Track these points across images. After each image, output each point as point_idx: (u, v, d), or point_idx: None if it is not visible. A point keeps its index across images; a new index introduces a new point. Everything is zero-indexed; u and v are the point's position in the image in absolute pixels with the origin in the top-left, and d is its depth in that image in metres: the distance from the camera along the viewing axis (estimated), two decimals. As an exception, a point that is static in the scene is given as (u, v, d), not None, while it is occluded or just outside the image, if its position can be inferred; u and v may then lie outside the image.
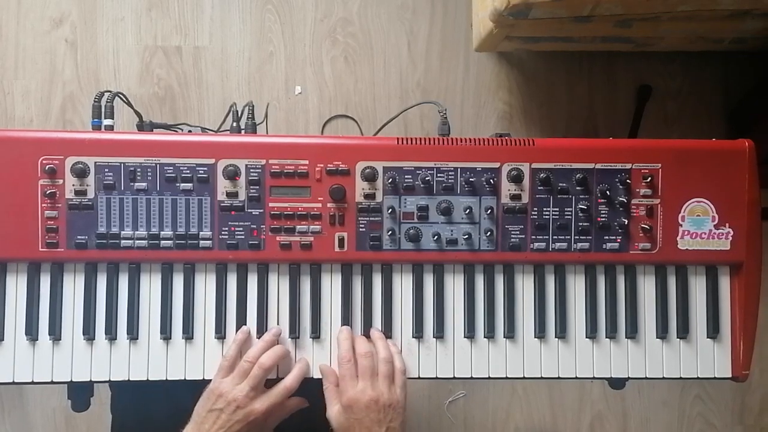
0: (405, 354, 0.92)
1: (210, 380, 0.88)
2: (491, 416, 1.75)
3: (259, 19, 1.72)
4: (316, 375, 0.91)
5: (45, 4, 1.69)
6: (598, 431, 1.76)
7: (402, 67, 1.74)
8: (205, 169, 0.90)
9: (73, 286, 0.90)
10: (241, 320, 0.91)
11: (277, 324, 0.92)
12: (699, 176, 0.93)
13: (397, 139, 0.92)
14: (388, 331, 0.92)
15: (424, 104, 1.66)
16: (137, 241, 0.89)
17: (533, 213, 0.92)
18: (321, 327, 0.92)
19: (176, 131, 1.13)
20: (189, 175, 0.89)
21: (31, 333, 0.89)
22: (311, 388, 0.91)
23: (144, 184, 0.89)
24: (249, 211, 0.90)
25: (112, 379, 0.90)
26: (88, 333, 0.90)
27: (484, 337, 0.93)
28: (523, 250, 0.92)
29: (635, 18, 1.35)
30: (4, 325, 0.89)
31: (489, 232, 0.92)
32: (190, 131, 1.06)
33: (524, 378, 0.94)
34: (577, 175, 0.92)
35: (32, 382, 0.90)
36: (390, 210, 0.91)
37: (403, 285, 0.93)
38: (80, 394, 0.95)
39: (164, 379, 0.90)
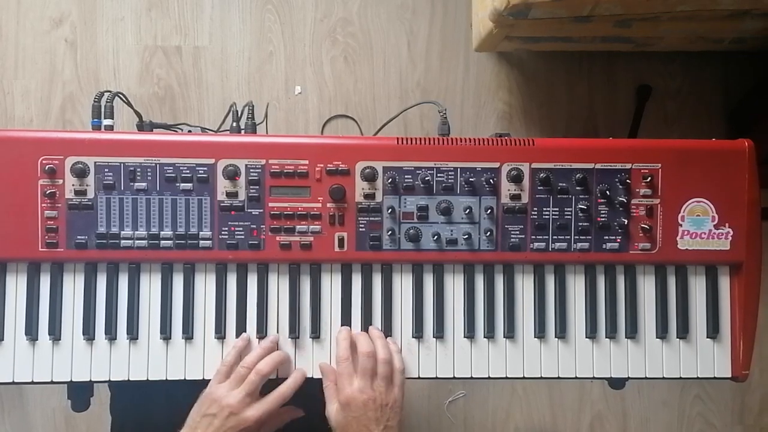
0: (405, 354, 0.92)
1: (210, 380, 0.88)
2: (491, 416, 1.75)
3: (258, 19, 1.72)
4: (317, 375, 0.91)
5: (45, 4, 1.69)
6: (598, 431, 1.76)
7: (402, 67, 1.74)
8: (205, 169, 0.90)
9: (73, 286, 0.90)
10: (241, 320, 0.91)
11: (277, 324, 0.92)
12: (699, 176, 0.92)
13: (397, 139, 0.92)
14: (387, 331, 0.92)
15: (424, 104, 1.66)
16: (137, 241, 0.89)
17: (533, 213, 0.92)
18: (321, 327, 0.92)
19: (176, 131, 1.13)
20: (189, 175, 0.89)
21: (31, 333, 0.89)
22: (311, 387, 0.91)
23: (144, 184, 0.89)
24: (249, 211, 0.90)
25: (111, 379, 0.90)
26: (88, 333, 0.90)
27: (484, 337, 0.93)
28: (522, 250, 0.92)
29: (635, 18, 1.35)
30: (4, 325, 0.89)
31: (489, 232, 0.92)
32: (190, 131, 1.06)
33: (524, 378, 0.94)
34: (577, 175, 0.92)
35: (32, 382, 0.89)
36: (390, 210, 0.91)
37: (403, 285, 0.93)
38: (80, 394, 0.95)
39: (164, 379, 0.90)
